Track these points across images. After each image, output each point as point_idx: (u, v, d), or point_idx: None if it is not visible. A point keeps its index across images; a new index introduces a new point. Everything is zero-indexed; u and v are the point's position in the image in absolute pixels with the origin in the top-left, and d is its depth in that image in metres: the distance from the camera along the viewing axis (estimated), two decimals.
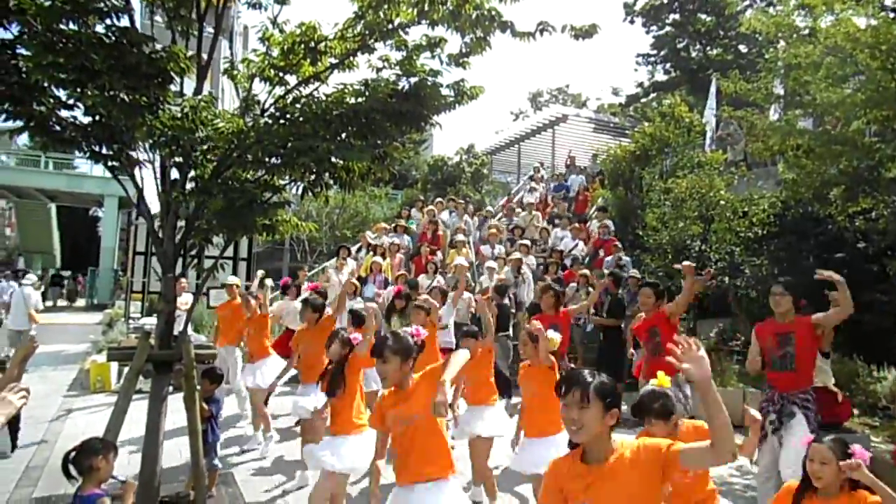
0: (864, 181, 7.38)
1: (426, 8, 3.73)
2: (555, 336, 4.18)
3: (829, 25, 6.22)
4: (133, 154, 4.23)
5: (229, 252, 14.66)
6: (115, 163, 4.31)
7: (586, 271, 9.94)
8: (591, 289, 9.69)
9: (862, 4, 6.11)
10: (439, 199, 14.61)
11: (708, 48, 27.99)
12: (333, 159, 4.50)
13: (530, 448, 4.08)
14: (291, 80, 4.55)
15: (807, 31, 6.69)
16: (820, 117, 6.95)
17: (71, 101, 3.87)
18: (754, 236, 9.89)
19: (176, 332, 8.32)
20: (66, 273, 32.05)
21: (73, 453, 3.07)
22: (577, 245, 12.00)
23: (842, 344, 7.16)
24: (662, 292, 5.41)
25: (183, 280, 8.65)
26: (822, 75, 6.38)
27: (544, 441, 3.95)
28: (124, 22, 3.79)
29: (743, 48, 26.19)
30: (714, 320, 10.64)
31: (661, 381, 3.05)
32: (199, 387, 4.58)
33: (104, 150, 4.21)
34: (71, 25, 3.60)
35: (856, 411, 6.88)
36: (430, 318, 5.72)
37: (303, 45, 4.14)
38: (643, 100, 30.21)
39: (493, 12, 3.91)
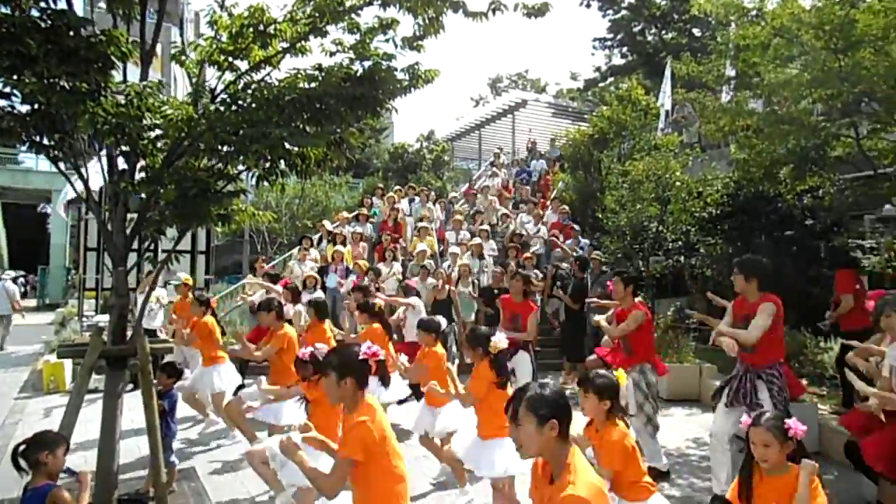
0: (811, 160, 7.63)
1: None
2: (499, 341, 3.97)
3: (776, 6, 6.39)
4: (76, 144, 4.07)
5: (187, 245, 14.31)
6: (57, 153, 4.14)
7: (529, 255, 10.12)
8: (536, 271, 9.86)
9: None
10: (399, 188, 14.53)
11: (663, 32, 28.44)
12: (288, 146, 4.41)
13: (481, 449, 3.95)
14: (242, 65, 4.44)
15: (755, 13, 6.85)
16: (769, 98, 7.14)
17: (7, 90, 3.71)
18: (709, 216, 10.15)
19: (157, 326, 8.18)
20: (12, 273, 30.75)
21: (22, 447, 2.99)
22: (539, 230, 12.12)
23: (791, 317, 7.42)
24: (631, 279, 5.44)
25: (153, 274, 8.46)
26: (769, 56, 6.56)
27: (496, 442, 3.78)
28: (61, 5, 3.63)
29: (697, 31, 26.71)
30: (672, 299, 10.92)
31: (620, 377, 3.12)
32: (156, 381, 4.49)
33: (45, 141, 4.04)
34: (2, 9, 3.43)
35: (805, 381, 7.16)
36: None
37: (251, 29, 4.03)
38: (601, 84, 30.58)
39: None
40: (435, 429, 4.81)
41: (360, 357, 2.67)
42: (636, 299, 5.38)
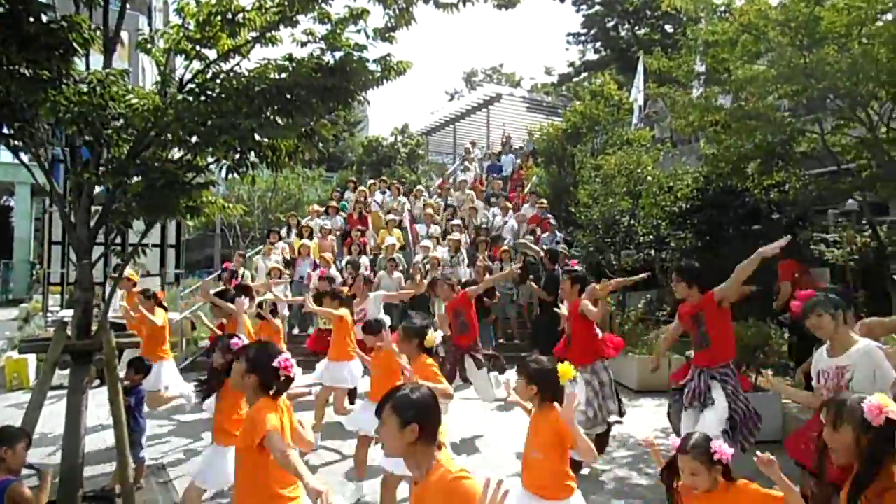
0: (778, 155, 7.81)
1: None
2: (433, 335, 4.02)
3: (744, 3, 6.51)
4: (37, 133, 3.95)
5: (156, 239, 14.05)
6: (18, 143, 4.02)
7: (506, 247, 10.19)
8: (513, 264, 9.91)
9: None
10: (372, 181, 14.46)
11: (636, 28, 28.72)
12: (258, 137, 4.36)
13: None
14: (211, 55, 4.36)
15: (724, 9, 6.97)
16: (737, 94, 7.29)
17: None
18: (679, 210, 10.32)
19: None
20: None
21: None
22: (506, 223, 12.15)
23: (756, 309, 7.59)
24: (579, 278, 5.42)
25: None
26: (737, 53, 6.69)
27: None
28: None
29: (669, 28, 27.02)
30: (643, 292, 11.07)
31: (565, 371, 3.07)
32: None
33: (5, 130, 3.92)
34: None
35: (770, 372, 7.33)
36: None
37: (219, 17, 3.95)
38: (575, 79, 30.77)
39: None
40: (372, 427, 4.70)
41: (273, 364, 2.72)
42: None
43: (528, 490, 3.01)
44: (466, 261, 10.53)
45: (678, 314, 4.76)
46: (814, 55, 6.06)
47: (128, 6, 4.33)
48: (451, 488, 1.90)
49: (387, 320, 5.10)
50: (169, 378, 6.13)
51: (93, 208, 4.27)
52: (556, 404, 3.03)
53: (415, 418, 1.98)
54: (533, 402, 3.16)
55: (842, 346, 3.32)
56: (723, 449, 2.52)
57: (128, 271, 7.79)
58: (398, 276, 9.08)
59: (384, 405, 2.04)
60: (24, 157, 4.23)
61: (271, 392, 2.73)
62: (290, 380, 2.77)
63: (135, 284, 7.64)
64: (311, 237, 10.78)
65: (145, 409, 4.97)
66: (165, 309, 6.55)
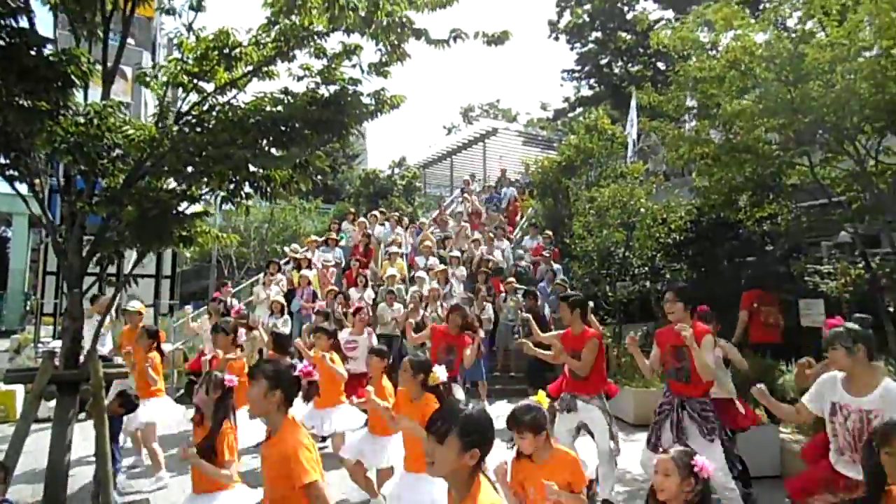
0: (768, 187, 7.90)
1: (336, 13, 3.72)
2: (440, 372, 3.84)
3: (730, 41, 6.68)
4: (32, 163, 4.00)
5: (152, 270, 14.05)
6: (13, 172, 4.06)
7: (513, 279, 10.18)
8: (517, 296, 9.89)
9: (758, 22, 6.59)
10: (373, 213, 14.52)
11: (629, 64, 29.29)
12: (252, 168, 4.42)
13: (406, 484, 3.83)
14: (208, 87, 4.44)
15: (710, 46, 7.14)
16: (726, 127, 7.42)
17: None
18: (673, 242, 10.37)
19: (105, 352, 7.86)
20: None
21: None
22: (505, 250, 12.20)
23: (752, 341, 7.59)
24: (577, 303, 5.18)
25: (102, 298, 8.20)
26: (725, 88, 6.82)
27: (421, 478, 3.62)
28: (23, 23, 3.60)
29: (661, 65, 27.56)
30: (639, 324, 11.04)
31: (540, 398, 3.03)
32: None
33: (1, 159, 3.96)
34: None
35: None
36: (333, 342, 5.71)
37: (216, 51, 4.05)
38: (570, 114, 31.24)
39: (405, 19, 3.96)
40: (372, 459, 4.59)
41: (295, 373, 2.68)
42: (586, 325, 5.20)
43: None
44: (459, 291, 10.50)
45: (658, 341, 4.53)
46: (799, 90, 6.18)
47: (131, 42, 4.43)
48: None
49: None
50: (158, 415, 6.00)
51: (85, 238, 4.29)
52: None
53: (478, 444, 1.97)
54: (537, 454, 3.02)
55: (864, 385, 3.14)
56: (704, 464, 2.47)
57: (138, 305, 7.75)
58: (398, 307, 9.06)
59: (445, 424, 1.98)
60: (21, 188, 4.26)
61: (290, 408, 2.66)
62: (312, 384, 2.76)
63: (141, 317, 7.54)
64: (309, 268, 10.76)
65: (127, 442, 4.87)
66: (162, 353, 6.38)
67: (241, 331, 7.16)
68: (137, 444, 6.25)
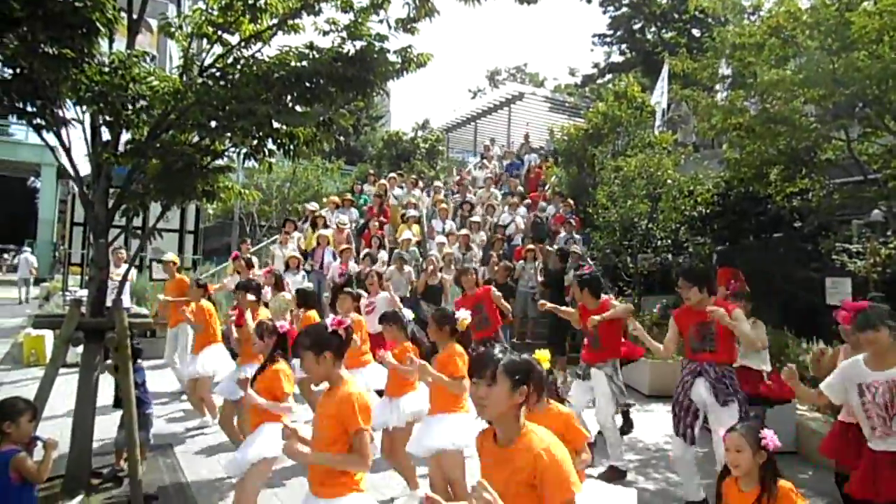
0: (802, 162, 7.65)
1: None
2: (464, 316, 4.02)
3: (773, 5, 6.38)
4: (59, 112, 4.00)
5: (175, 225, 14.23)
6: (40, 121, 4.07)
7: (532, 246, 10.10)
8: (537, 263, 9.85)
9: None
10: (392, 175, 14.45)
11: (663, 30, 28.39)
12: (276, 124, 4.38)
13: (432, 425, 3.91)
14: (233, 40, 4.39)
15: (751, 11, 6.85)
16: (762, 97, 7.15)
17: None
18: (698, 215, 10.18)
19: (127, 304, 8.04)
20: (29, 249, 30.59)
21: None
22: (512, 220, 12.09)
23: (775, 318, 7.47)
24: (586, 282, 5.25)
25: (122, 251, 8.34)
26: (764, 56, 6.55)
27: (443, 418, 3.80)
28: None
29: (696, 31, 26.66)
30: (658, 297, 10.95)
31: (540, 357, 2.99)
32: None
33: (28, 108, 3.97)
34: None
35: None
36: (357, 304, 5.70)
37: (242, 2, 3.98)
38: (599, 80, 30.52)
39: None
40: (399, 419, 4.48)
41: (330, 330, 2.74)
42: (606, 297, 5.30)
43: None
44: (480, 257, 10.48)
45: (676, 321, 4.49)
46: (843, 60, 5.91)
47: None
48: (543, 464, 1.94)
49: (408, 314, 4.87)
50: (212, 364, 6.08)
51: (111, 190, 4.32)
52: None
53: (523, 382, 2.04)
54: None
55: (890, 362, 3.17)
56: (771, 437, 2.59)
57: (171, 255, 7.94)
58: (408, 270, 9.07)
59: (492, 366, 2.05)
60: (49, 138, 4.29)
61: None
62: (349, 333, 2.83)
63: (176, 266, 7.73)
64: (325, 228, 10.78)
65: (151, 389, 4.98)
66: (213, 302, 6.52)
67: (267, 288, 7.25)
68: (200, 406, 6.23)
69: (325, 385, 2.78)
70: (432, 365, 3.89)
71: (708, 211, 10.05)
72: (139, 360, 4.56)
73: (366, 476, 2.70)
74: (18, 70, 3.64)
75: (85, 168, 4.47)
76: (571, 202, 12.63)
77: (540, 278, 9.53)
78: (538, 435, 2.03)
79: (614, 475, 4.84)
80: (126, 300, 8.39)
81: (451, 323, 3.96)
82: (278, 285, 7.37)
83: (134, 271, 8.87)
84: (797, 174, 7.91)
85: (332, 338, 2.73)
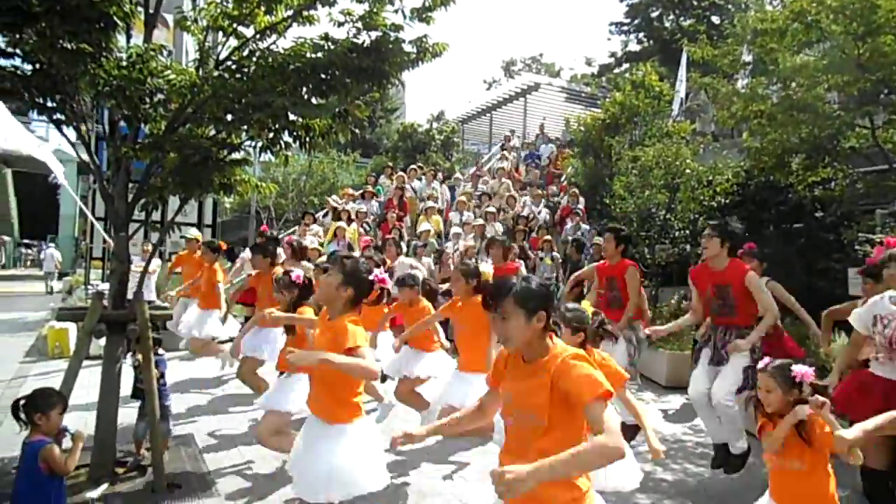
0: (825, 150, 7.51)
1: None
2: (486, 267, 4.27)
3: None
4: (78, 107, 4.04)
5: (193, 218, 14.36)
6: (59, 116, 4.12)
7: (549, 237, 10.06)
8: (554, 254, 9.82)
9: None
10: (412, 167, 14.44)
11: (681, 18, 27.96)
12: (292, 116, 4.39)
13: (458, 381, 4.20)
14: (248, 32, 4.39)
15: None
16: (784, 84, 7.01)
17: (9, 50, 3.69)
18: (718, 205, 10.02)
19: (152, 297, 8.23)
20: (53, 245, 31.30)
21: (22, 401, 3.04)
22: (540, 211, 12.06)
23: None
24: (625, 238, 5.32)
25: (149, 245, 8.50)
26: (787, 42, 6.41)
27: (475, 377, 3.98)
28: None
29: (716, 19, 26.23)
30: (676, 288, 10.84)
31: (587, 307, 3.22)
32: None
33: (48, 103, 4.02)
34: None
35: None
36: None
37: None
38: (616, 70, 30.15)
39: None
40: (416, 371, 4.83)
41: (371, 277, 2.85)
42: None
43: None
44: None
45: (695, 281, 4.50)
46: (868, 45, 5.77)
47: None
48: (568, 370, 1.93)
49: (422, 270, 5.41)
50: (218, 327, 6.35)
51: (131, 185, 4.37)
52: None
53: (539, 307, 2.03)
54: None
55: None
56: (803, 371, 2.62)
57: (196, 232, 8.16)
58: (427, 260, 9.08)
59: (501, 298, 2.05)
60: (69, 133, 4.34)
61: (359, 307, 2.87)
62: (384, 291, 2.97)
63: (199, 243, 7.93)
64: (348, 221, 10.82)
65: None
66: (229, 256, 6.94)
67: (280, 250, 7.32)
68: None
69: None
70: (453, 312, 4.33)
71: (727, 201, 9.89)
72: (161, 351, 4.61)
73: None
74: (38, 65, 3.68)
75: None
76: (577, 191, 12.53)
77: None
78: (565, 349, 2.03)
79: (626, 432, 4.85)
80: (151, 293, 8.54)
81: (477, 276, 4.13)
82: (295, 254, 7.38)
83: (158, 263, 9.00)
84: (819, 163, 7.76)
85: (366, 282, 2.83)
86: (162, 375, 4.55)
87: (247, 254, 8.60)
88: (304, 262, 6.77)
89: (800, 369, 2.62)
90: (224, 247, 6.97)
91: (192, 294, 7.24)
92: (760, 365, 2.78)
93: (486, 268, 4.24)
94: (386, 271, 6.98)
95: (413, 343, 4.93)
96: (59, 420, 3.10)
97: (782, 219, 9.98)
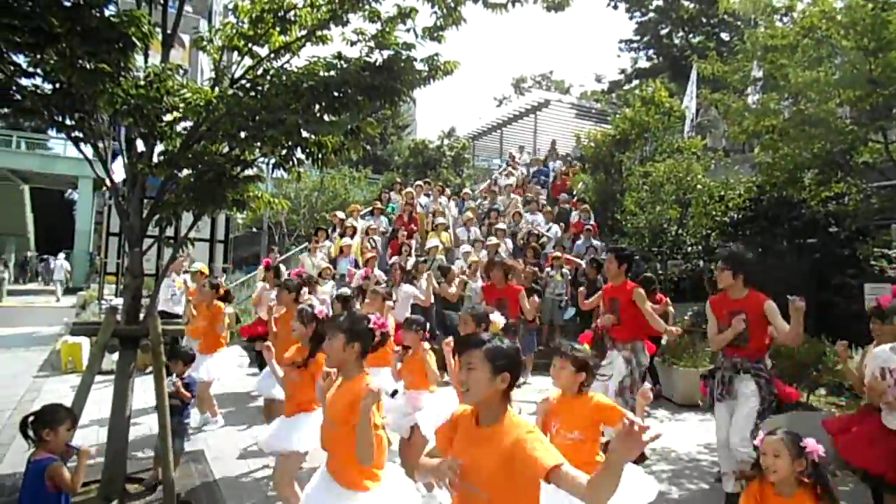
0: (838, 165, 7.47)
1: None
2: (498, 319, 4.19)
3: (807, 5, 6.25)
4: (97, 125, 4.12)
5: (206, 234, 14.48)
6: (78, 134, 4.19)
7: (558, 253, 10.02)
8: (564, 270, 9.77)
9: None
10: (419, 183, 14.50)
11: (691, 35, 28.09)
12: (304, 133, 4.43)
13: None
14: (263, 52, 4.46)
15: (784, 12, 6.72)
16: (796, 98, 7.00)
17: (31, 69, 3.77)
18: (730, 221, 9.99)
19: (180, 311, 8.14)
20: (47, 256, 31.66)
21: (30, 418, 3.04)
22: (550, 228, 12.05)
23: (810, 326, 7.27)
24: (627, 258, 5.34)
25: (184, 261, 8.50)
26: (797, 58, 6.42)
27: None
28: None
29: (725, 35, 26.31)
30: (689, 304, 10.76)
31: (586, 350, 3.16)
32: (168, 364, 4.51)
33: (67, 121, 4.10)
34: None
35: (823, 391, 7.02)
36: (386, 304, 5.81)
37: (272, 14, 4.05)
38: (626, 86, 30.26)
39: None
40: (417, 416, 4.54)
41: (369, 325, 2.83)
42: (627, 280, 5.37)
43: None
44: None
45: (713, 309, 4.48)
46: (880, 60, 5.77)
47: (188, 9, 4.48)
48: (527, 439, 1.93)
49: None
50: (219, 369, 6.22)
51: (146, 201, 4.42)
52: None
53: (506, 369, 2.04)
54: (569, 392, 3.11)
55: None
56: (814, 445, 2.52)
57: (200, 266, 8.05)
58: (425, 280, 9.02)
59: (471, 349, 2.06)
60: (86, 150, 4.41)
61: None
62: (385, 336, 2.93)
63: (205, 277, 7.78)
64: (353, 236, 10.85)
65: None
66: (229, 299, 6.66)
67: (305, 290, 7.32)
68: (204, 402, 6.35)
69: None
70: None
71: (739, 216, 9.86)
72: (189, 372, 4.68)
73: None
74: (58, 84, 3.75)
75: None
76: (587, 207, 12.51)
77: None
78: (522, 421, 2.03)
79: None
80: (182, 306, 8.44)
81: (485, 323, 4.08)
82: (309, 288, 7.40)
83: (189, 279, 8.81)
84: (832, 178, 7.73)
85: (368, 333, 2.81)
86: (192, 395, 4.57)
87: (261, 284, 8.57)
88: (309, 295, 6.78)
89: (810, 443, 2.53)
90: (223, 290, 6.71)
91: (193, 336, 6.76)
92: (768, 431, 2.71)
93: (497, 317, 4.16)
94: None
95: (410, 386, 4.60)
96: (67, 436, 3.08)
97: (795, 234, 9.91)
